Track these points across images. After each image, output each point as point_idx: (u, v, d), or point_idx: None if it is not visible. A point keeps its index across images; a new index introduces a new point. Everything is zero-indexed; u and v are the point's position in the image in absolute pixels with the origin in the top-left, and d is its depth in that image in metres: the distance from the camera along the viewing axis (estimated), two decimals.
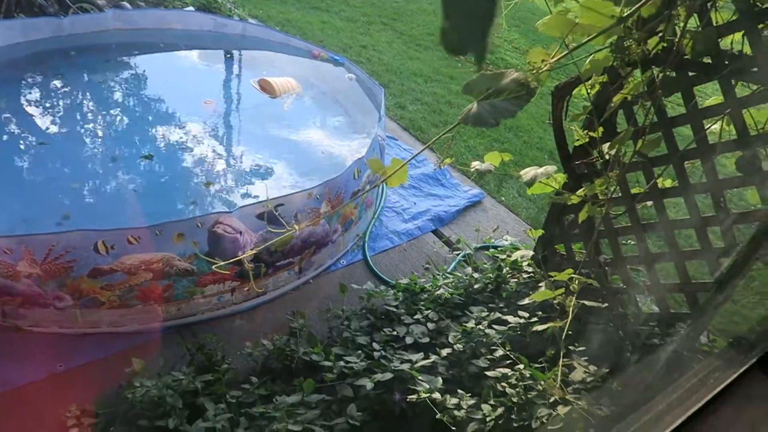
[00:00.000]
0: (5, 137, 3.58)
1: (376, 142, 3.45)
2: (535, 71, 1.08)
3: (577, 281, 2.10)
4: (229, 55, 5.31)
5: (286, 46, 5.02)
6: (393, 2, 8.48)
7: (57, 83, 4.30)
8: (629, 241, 2.90)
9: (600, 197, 2.11)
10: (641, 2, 1.25)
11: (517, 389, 2.05)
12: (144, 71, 4.73)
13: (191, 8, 6.09)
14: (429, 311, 2.58)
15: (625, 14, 1.24)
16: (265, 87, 4.41)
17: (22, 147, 3.52)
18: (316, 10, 7.54)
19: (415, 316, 2.56)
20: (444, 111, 5.38)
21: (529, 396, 2.02)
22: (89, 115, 3.98)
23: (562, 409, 1.94)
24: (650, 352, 2.25)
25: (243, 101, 4.50)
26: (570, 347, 2.18)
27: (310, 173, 3.60)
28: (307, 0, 7.88)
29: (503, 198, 4.15)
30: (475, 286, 2.77)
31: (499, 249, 3.23)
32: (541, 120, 5.65)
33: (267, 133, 4.03)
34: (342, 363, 2.24)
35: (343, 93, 4.57)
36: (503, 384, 2.08)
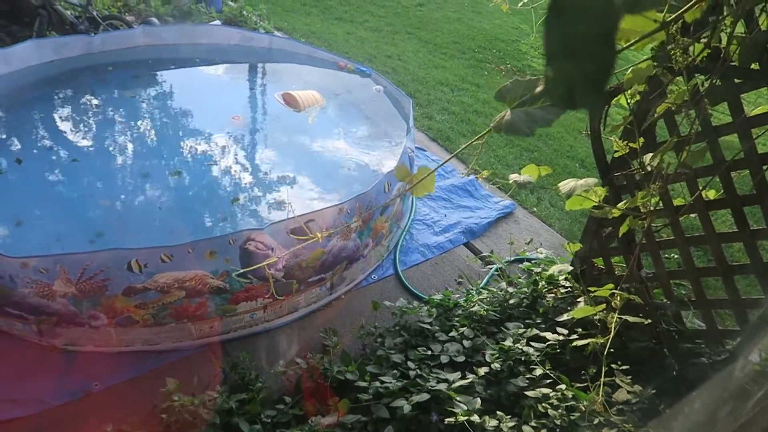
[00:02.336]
0: (39, 154, 3.64)
1: (405, 153, 3.42)
2: None
3: (618, 297, 2.05)
4: (255, 69, 5.36)
5: (312, 59, 5.04)
6: (417, 11, 8.49)
7: (88, 100, 4.38)
8: (672, 255, 2.83)
9: (642, 210, 2.05)
10: (685, 7, 1.20)
11: (559, 410, 1.99)
12: (173, 86, 4.80)
13: (218, 22, 6.16)
14: (464, 328, 2.53)
15: (669, 18, 1.20)
16: (290, 101, 4.43)
17: (55, 164, 3.58)
18: (341, 21, 7.58)
19: (450, 333, 2.52)
20: (472, 120, 5.34)
21: (572, 417, 1.96)
22: (120, 131, 4.03)
23: None
24: (697, 371, 2.17)
25: (269, 116, 4.52)
26: (612, 365, 2.12)
27: (339, 187, 3.59)
28: (331, 11, 7.93)
29: (536, 209, 4.08)
30: (511, 302, 2.72)
31: (533, 262, 3.17)
32: (571, 128, 5.58)
33: (294, 148, 4.03)
34: (377, 383, 2.21)
35: (370, 104, 4.57)
36: (544, 405, 2.03)
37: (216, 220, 3.25)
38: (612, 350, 1.96)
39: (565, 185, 1.97)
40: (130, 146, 3.87)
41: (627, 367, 2.11)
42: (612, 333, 1.93)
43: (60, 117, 4.13)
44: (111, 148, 3.80)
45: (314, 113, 4.38)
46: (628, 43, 1.27)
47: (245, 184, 3.59)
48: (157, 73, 4.96)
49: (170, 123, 4.23)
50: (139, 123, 4.17)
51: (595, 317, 2.25)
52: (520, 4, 2.51)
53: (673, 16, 1.20)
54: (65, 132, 3.93)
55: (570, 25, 0.55)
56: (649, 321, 2.22)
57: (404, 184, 3.34)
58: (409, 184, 1.21)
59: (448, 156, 4.68)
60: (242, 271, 2.49)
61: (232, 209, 3.33)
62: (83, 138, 3.91)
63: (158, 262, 2.44)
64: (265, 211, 3.36)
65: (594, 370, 2.13)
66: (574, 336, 2.27)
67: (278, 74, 5.27)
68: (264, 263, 2.54)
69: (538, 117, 0.91)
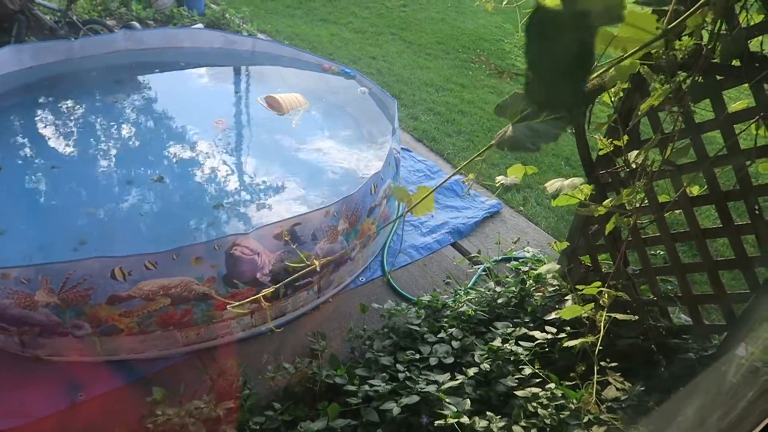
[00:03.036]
0: (20, 162, 3.58)
1: (391, 155, 3.41)
2: None
3: (606, 294, 2.05)
4: (239, 72, 5.32)
5: (296, 61, 5.01)
6: (401, 12, 8.48)
7: (69, 105, 4.33)
8: (658, 252, 2.84)
9: (627, 207, 2.06)
10: (686, 15, 1.19)
11: (549, 409, 1.99)
12: (155, 91, 4.75)
13: (200, 25, 6.11)
14: (453, 329, 2.52)
15: (669, 27, 1.19)
16: (273, 104, 4.40)
17: (36, 171, 3.53)
18: (325, 23, 7.56)
19: (439, 335, 2.51)
20: (457, 120, 5.34)
21: (562, 416, 1.96)
22: (102, 136, 3.99)
23: (597, 430, 1.88)
24: (685, 366, 2.18)
25: (253, 119, 4.49)
26: (601, 363, 2.12)
27: (325, 190, 3.57)
28: (315, 13, 7.90)
29: (522, 208, 4.09)
30: (499, 301, 2.71)
31: (521, 261, 3.17)
32: None
33: (279, 151, 4.01)
34: (366, 386, 2.19)
35: (355, 106, 4.55)
36: (534, 404, 2.02)
37: (201, 226, 3.22)
38: (601, 347, 1.96)
39: (552, 185, 1.97)
40: (112, 152, 3.82)
41: (616, 364, 2.11)
42: (602, 331, 1.93)
43: (41, 124, 4.07)
44: (93, 155, 3.75)
45: (298, 116, 4.35)
46: (628, 53, 1.26)
47: (230, 188, 3.56)
48: (139, 77, 4.91)
49: (153, 128, 4.19)
50: (121, 128, 4.12)
51: (583, 315, 2.26)
52: (504, 3, 2.51)
53: (675, 23, 1.19)
54: (47, 139, 3.87)
55: (551, 37, 0.54)
56: (637, 318, 2.23)
57: (390, 185, 3.33)
58: (407, 204, 1.18)
59: (434, 156, 4.68)
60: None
61: (216, 214, 3.30)
62: (65, 145, 3.86)
63: (143, 269, 2.41)
64: (250, 216, 3.33)
65: (583, 368, 2.13)
66: (563, 334, 2.27)
67: (262, 77, 5.24)
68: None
69: (542, 131, 0.89)
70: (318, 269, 1.11)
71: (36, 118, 4.14)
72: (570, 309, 2.15)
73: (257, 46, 5.16)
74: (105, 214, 3.22)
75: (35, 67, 4.46)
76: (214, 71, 5.23)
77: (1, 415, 2.29)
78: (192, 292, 2.54)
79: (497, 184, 1.92)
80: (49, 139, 3.88)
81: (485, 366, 2.24)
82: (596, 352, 1.90)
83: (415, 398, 2.07)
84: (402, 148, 4.39)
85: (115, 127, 4.13)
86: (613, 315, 2.02)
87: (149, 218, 3.21)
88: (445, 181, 1.25)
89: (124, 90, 4.62)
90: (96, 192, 3.40)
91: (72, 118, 4.20)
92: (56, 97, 4.37)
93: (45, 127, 4.03)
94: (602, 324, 1.94)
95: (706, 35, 1.69)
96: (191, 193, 3.49)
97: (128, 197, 3.36)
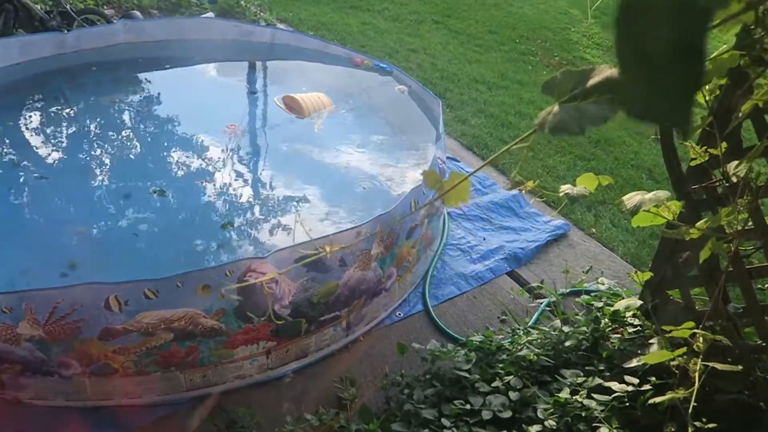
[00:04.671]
0: (2, 172, 3.70)
1: (435, 165, 3.42)
2: None
3: (701, 337, 2.00)
4: (255, 69, 5.43)
5: (322, 55, 5.09)
6: None
7: (60, 107, 4.47)
8: (766, 286, 2.76)
9: (727, 230, 2.01)
10: None
11: None
12: (159, 91, 4.87)
13: (211, 14, 6.27)
14: (510, 377, 2.49)
15: None
16: (292, 105, 4.46)
17: (21, 183, 3.64)
18: (355, 10, 7.67)
19: (493, 384, 2.48)
20: (514, 124, 5.33)
21: None
22: (97, 143, 4.10)
23: None
24: None
25: (271, 124, 4.56)
26: (696, 423, 2.06)
27: (355, 207, 3.59)
28: None
29: (594, 230, 4.04)
30: (567, 344, 2.67)
31: (593, 295, 3.13)
32: (635, 131, 5.53)
33: (300, 161, 4.06)
34: None
35: (391, 107, 4.59)
36: None
37: (209, 248, 3.27)
38: (695, 404, 1.91)
39: (630, 199, 1.94)
40: (108, 161, 3.92)
41: (714, 425, 2.05)
42: (696, 384, 1.88)
43: (28, 128, 4.22)
44: (86, 164, 3.86)
45: (321, 119, 4.40)
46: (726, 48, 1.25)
47: (243, 204, 3.61)
48: (141, 75, 5.05)
49: (155, 134, 4.29)
50: (119, 134, 4.24)
51: (672, 363, 2.20)
52: None
53: None
54: (34, 146, 4.00)
55: (646, 28, 0.53)
56: (740, 367, 2.16)
57: (433, 202, 3.33)
58: (438, 192, 1.20)
59: (486, 166, 4.66)
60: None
61: (226, 235, 3.34)
62: (54, 152, 3.99)
63: (141, 298, 2.45)
64: (266, 237, 3.37)
65: (673, 429, 2.08)
66: (647, 386, 2.22)
67: (282, 74, 5.34)
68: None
69: (591, 113, 0.90)
70: (328, 255, 1.12)
71: (22, 122, 4.29)
72: (656, 355, 2.11)
73: (276, 38, 5.27)
74: (98, 233, 3.30)
75: (23, 63, 4.62)
76: (226, 67, 5.35)
77: None
78: (198, 326, 2.57)
79: (561, 194, 1.90)
80: (37, 145, 4.01)
81: (551, 423, 2.21)
82: (689, 410, 1.85)
83: None
84: (447, 158, 4.40)
85: (112, 132, 4.25)
86: (710, 364, 1.97)
87: (149, 238, 3.28)
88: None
89: (123, 89, 4.76)
90: (88, 207, 3.49)
91: (63, 121, 4.34)
92: (46, 97, 4.52)
93: (32, 132, 4.17)
94: (696, 374, 1.90)
95: None
96: (198, 210, 3.55)
97: (125, 214, 3.44)
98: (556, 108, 0.95)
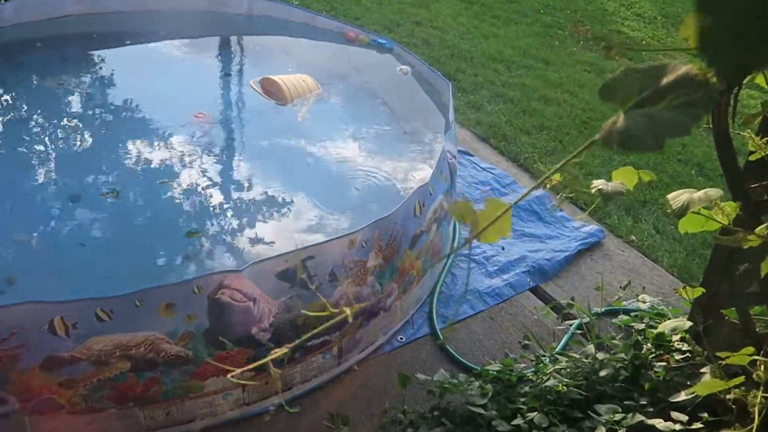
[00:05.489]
0: None
1: (443, 160, 3.41)
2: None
3: (762, 365, 1.99)
4: (229, 46, 5.43)
5: (309, 28, 5.10)
6: None
7: None
8: None
9: None
10: None
11: None
12: (114, 72, 4.87)
13: None
14: (534, 413, 2.49)
15: None
16: (271, 89, 4.45)
17: None
18: None
19: (514, 421, 2.48)
20: (538, 111, 5.34)
21: None
22: (40, 135, 4.09)
23: None
24: None
25: (248, 112, 4.55)
26: None
27: (347, 210, 3.58)
28: None
29: (634, 237, 4.03)
30: (602, 373, 2.67)
31: (633, 315, 3.12)
32: None
33: (281, 156, 4.05)
34: None
35: (392, 91, 4.59)
36: None
37: (173, 260, 3.26)
38: None
39: (676, 199, 1.94)
40: (53, 157, 3.92)
41: None
42: (756, 420, 1.88)
43: None
44: (26, 161, 3.85)
45: (306, 107, 4.40)
46: None
47: (213, 208, 3.60)
48: (94, 53, 5.05)
49: (110, 124, 4.29)
50: (67, 124, 4.23)
51: (727, 396, 2.20)
52: None
53: None
54: None
55: None
56: None
57: (442, 204, 3.33)
58: (473, 227, 1.15)
59: (504, 161, 4.67)
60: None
61: (194, 244, 3.33)
62: None
63: (92, 320, 2.45)
64: (242, 246, 3.36)
65: None
66: (698, 424, 2.22)
67: (261, 52, 5.34)
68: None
69: (668, 121, 0.87)
70: (349, 318, 1.10)
71: None
72: (708, 385, 2.11)
73: (255, 9, 5.27)
74: (40, 241, 3.29)
75: None
76: (195, 45, 5.34)
77: None
78: (161, 353, 2.57)
79: (592, 190, 1.90)
80: None
81: None
82: None
83: None
84: (459, 151, 4.40)
85: (58, 121, 4.24)
86: None
87: (102, 248, 3.27)
88: (527, 194, 1.23)
89: (72, 70, 4.75)
90: (29, 212, 3.48)
91: None
92: None
93: None
94: (757, 409, 1.90)
95: None
96: (160, 215, 3.55)
97: (73, 219, 3.44)
98: (621, 117, 0.93)
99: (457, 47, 6.27)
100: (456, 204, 1.19)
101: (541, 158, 4.70)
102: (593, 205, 3.87)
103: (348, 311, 1.09)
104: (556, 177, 2.05)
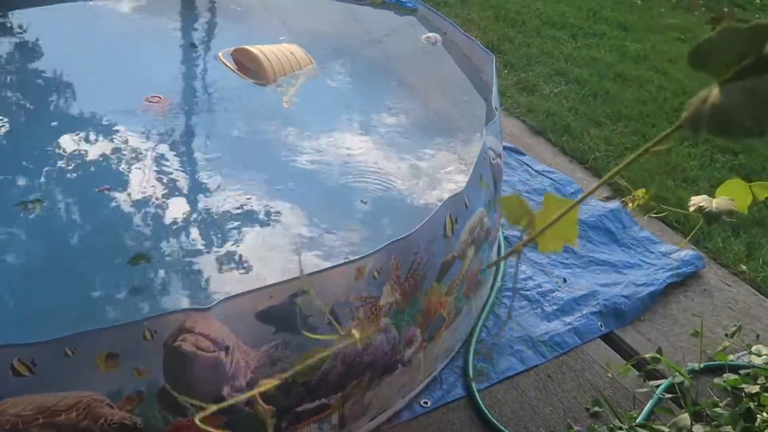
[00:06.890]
0: None
1: (484, 161, 3.41)
2: None
3: None
4: (193, 7, 5.46)
5: None
6: None
7: None
8: None
9: None
10: None
11: None
12: (42, 42, 4.90)
13: None
14: None
15: None
16: (247, 64, 4.44)
17: None
18: None
19: None
20: (613, 94, 5.34)
21: None
22: None
23: None
24: None
25: (216, 95, 4.56)
26: None
27: (353, 228, 3.58)
28: None
29: (744, 267, 4.02)
30: None
31: (743, 373, 3.11)
32: None
33: (262, 154, 4.05)
34: None
35: (415, 65, 4.60)
36: None
37: (116, 294, 3.26)
38: None
39: None
40: None
41: None
42: None
43: None
44: None
45: (295, 88, 4.39)
46: None
47: (170, 223, 3.60)
48: (13, 15, 5.08)
49: (34, 111, 4.31)
50: None
51: None
52: None
53: None
54: None
55: None
56: None
57: (482, 221, 3.32)
58: (525, 229, 1.16)
59: (566, 162, 4.67)
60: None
61: (147, 271, 3.34)
62: None
63: (8, 374, 2.45)
64: (210, 276, 3.36)
65: None
66: None
67: (240, 14, 5.36)
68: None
69: None
70: (358, 343, 1.11)
71: None
72: None
73: None
74: None
75: None
76: (149, 5, 5.37)
77: None
78: (99, 420, 2.57)
79: (691, 210, 1.90)
80: None
81: None
82: None
83: None
84: (505, 148, 4.40)
85: None
86: None
87: (20, 277, 3.28)
88: (594, 189, 1.24)
89: None
90: None
91: None
92: None
93: None
94: None
95: None
96: (99, 232, 3.55)
97: None
98: (715, 91, 0.93)
99: (503, 7, 6.29)
100: (508, 199, 1.19)
101: (617, 158, 4.69)
102: (694, 230, 3.89)
103: (357, 333, 1.09)
104: (639, 192, 2.04)
